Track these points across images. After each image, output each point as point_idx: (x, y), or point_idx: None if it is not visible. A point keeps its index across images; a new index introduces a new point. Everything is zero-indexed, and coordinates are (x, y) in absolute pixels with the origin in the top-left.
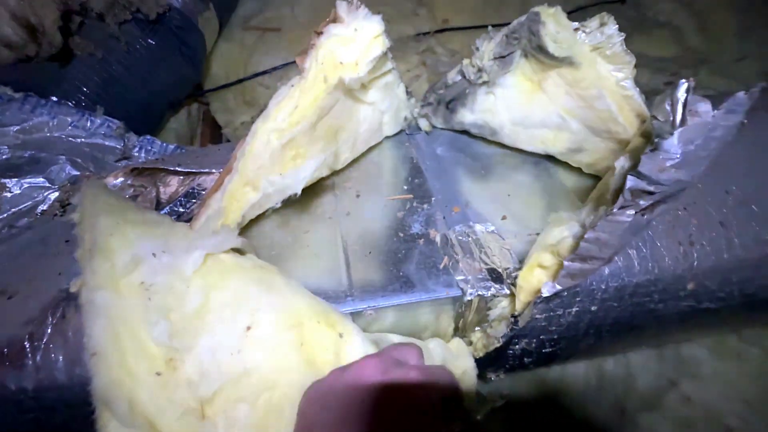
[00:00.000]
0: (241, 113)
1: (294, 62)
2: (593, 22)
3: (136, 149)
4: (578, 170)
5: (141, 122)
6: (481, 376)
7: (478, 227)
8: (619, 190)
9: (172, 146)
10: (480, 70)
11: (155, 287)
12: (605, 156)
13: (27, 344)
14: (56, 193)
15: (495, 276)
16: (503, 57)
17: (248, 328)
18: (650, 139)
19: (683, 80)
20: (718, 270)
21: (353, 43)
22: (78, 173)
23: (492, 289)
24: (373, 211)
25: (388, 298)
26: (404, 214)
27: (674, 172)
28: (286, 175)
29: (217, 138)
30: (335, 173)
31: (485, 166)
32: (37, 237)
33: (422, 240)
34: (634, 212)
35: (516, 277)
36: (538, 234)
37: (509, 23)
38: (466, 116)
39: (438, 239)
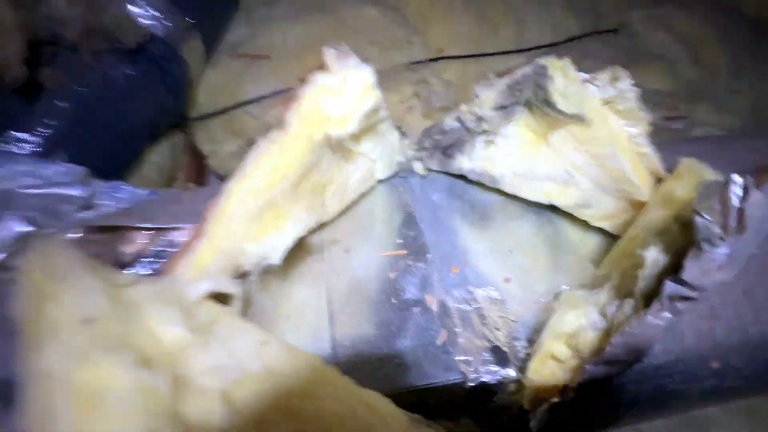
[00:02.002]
0: (227, 143)
1: (283, 92)
2: (604, 76)
3: (101, 196)
4: (584, 222)
5: (118, 156)
6: None
7: (479, 293)
8: (653, 290)
9: (144, 191)
10: (479, 118)
11: (159, 296)
12: (615, 213)
13: None
14: (0, 255)
15: (500, 357)
16: (505, 107)
17: (263, 342)
18: (686, 227)
19: (735, 176)
20: (744, 346)
21: (342, 94)
22: (29, 230)
23: (498, 375)
24: (364, 270)
25: (379, 384)
26: (397, 275)
27: (718, 275)
28: (263, 242)
29: (202, 169)
30: (322, 226)
31: (484, 215)
32: None
33: (418, 308)
34: (670, 316)
35: (524, 359)
36: (544, 300)
37: (504, 52)
38: (464, 163)
39: (435, 307)
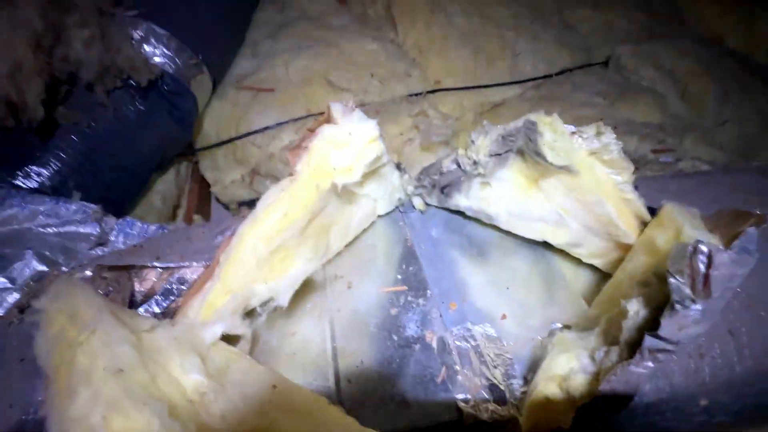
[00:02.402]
0: (230, 171)
1: (286, 122)
2: (590, 130)
3: (114, 233)
4: (576, 259)
5: (126, 187)
6: None
7: (477, 330)
8: (635, 340)
9: (153, 227)
10: (475, 163)
11: (178, 341)
12: (605, 253)
13: None
14: (16, 295)
15: (497, 395)
16: (499, 154)
17: (274, 386)
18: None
19: (701, 245)
20: (732, 383)
21: (347, 146)
22: (45, 269)
23: (495, 414)
24: (366, 306)
25: (382, 423)
26: (398, 311)
27: (693, 328)
28: (272, 284)
29: (206, 196)
30: (326, 262)
31: (481, 250)
32: None
33: (418, 345)
34: (652, 365)
35: (521, 398)
36: (539, 337)
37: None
38: (462, 201)
39: (435, 343)
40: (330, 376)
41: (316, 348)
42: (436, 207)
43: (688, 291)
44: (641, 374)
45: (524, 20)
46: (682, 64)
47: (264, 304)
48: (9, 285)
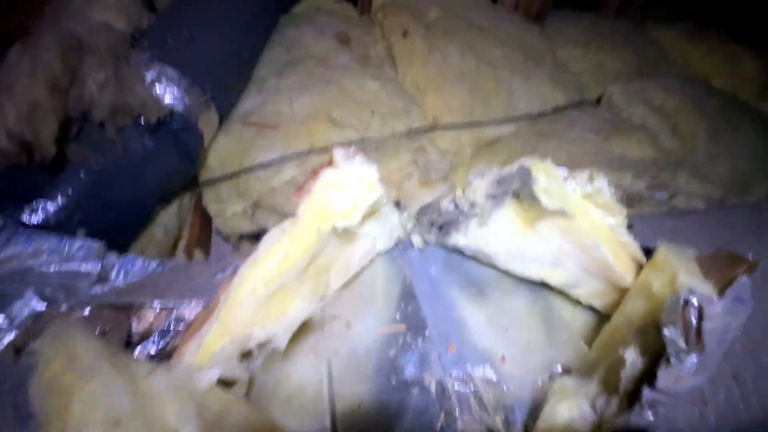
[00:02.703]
0: (233, 204)
1: (289, 157)
2: (582, 176)
3: (114, 270)
4: (574, 299)
5: (130, 220)
6: None
7: (476, 373)
8: (634, 390)
9: (154, 263)
10: (473, 204)
11: (175, 388)
12: (603, 294)
13: None
14: (13, 334)
15: None
16: (495, 196)
17: None
18: (659, 331)
19: (692, 298)
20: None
21: (348, 190)
22: (43, 308)
23: None
24: (364, 347)
25: None
26: (396, 353)
27: (690, 380)
28: (270, 326)
29: (207, 226)
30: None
31: (480, 288)
32: None
33: (416, 388)
34: (651, 416)
35: None
36: (540, 382)
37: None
38: (460, 240)
39: (433, 387)
40: (327, 421)
41: (313, 391)
42: (435, 245)
43: (682, 344)
44: (641, 424)
45: (517, 60)
46: (671, 101)
47: (261, 346)
48: (7, 324)
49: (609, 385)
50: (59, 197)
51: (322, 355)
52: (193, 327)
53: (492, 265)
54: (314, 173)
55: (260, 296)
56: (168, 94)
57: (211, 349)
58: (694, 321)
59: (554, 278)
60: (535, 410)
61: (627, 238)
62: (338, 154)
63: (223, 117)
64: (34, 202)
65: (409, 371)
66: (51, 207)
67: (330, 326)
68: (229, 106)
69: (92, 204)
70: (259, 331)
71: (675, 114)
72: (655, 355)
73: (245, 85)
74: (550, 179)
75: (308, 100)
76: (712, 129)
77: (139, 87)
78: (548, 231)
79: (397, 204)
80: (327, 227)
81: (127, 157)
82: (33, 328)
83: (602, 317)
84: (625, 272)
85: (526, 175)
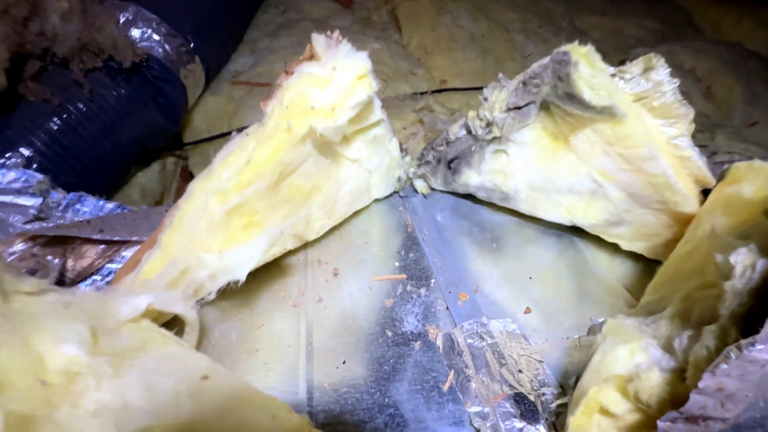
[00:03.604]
0: None
1: None
2: (635, 67)
3: (60, 208)
4: (612, 246)
5: (100, 176)
6: None
7: (494, 324)
8: (752, 309)
9: (110, 205)
10: (489, 124)
11: (74, 304)
12: (655, 231)
13: None
14: None
15: (525, 408)
16: (519, 108)
17: (205, 377)
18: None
19: None
20: None
21: (330, 85)
22: None
23: (522, 429)
24: (354, 296)
25: None
26: (395, 302)
27: None
28: (227, 253)
29: None
30: (307, 244)
31: (496, 237)
32: None
33: (418, 343)
34: None
35: (557, 412)
36: (576, 336)
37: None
38: (472, 178)
39: (440, 341)
40: (300, 380)
41: (287, 344)
42: (442, 191)
43: None
44: (765, 363)
45: (533, 24)
46: (703, 64)
47: (214, 276)
48: None
49: (692, 319)
50: (14, 140)
51: (302, 304)
52: (131, 259)
53: (510, 212)
54: (290, 72)
55: (214, 215)
56: (145, 38)
57: (146, 278)
58: None
59: (590, 215)
60: (573, 368)
61: (690, 151)
62: (318, 42)
63: (210, 75)
64: None
65: (410, 323)
66: (5, 153)
67: (313, 272)
68: (217, 64)
69: (57, 153)
70: (211, 257)
71: (708, 77)
72: None
73: (236, 46)
74: (594, 70)
75: None
76: (749, 94)
77: (109, 26)
78: (587, 146)
79: (401, 146)
80: (302, 128)
81: (97, 103)
82: None
83: (648, 267)
84: (690, 194)
85: (563, 64)
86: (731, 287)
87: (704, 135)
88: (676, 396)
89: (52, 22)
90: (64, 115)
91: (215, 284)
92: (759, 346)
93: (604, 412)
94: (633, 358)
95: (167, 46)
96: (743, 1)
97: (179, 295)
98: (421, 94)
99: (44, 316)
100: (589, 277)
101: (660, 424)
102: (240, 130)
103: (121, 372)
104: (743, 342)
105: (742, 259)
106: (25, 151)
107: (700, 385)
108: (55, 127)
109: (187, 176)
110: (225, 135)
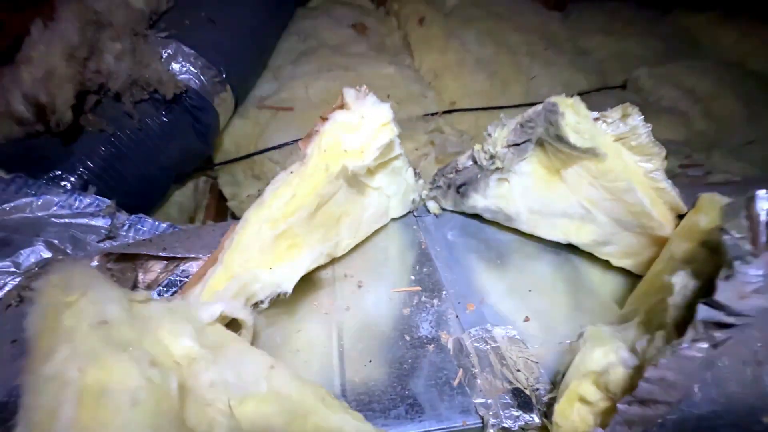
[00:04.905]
0: (248, 186)
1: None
2: (615, 113)
3: (124, 228)
4: (604, 262)
5: (145, 196)
6: None
7: (497, 331)
8: (685, 318)
9: (164, 225)
10: (492, 156)
11: (171, 312)
12: (637, 250)
13: None
14: (18, 280)
15: (522, 400)
16: (518, 144)
17: (271, 367)
18: (714, 251)
19: (761, 191)
20: None
21: (359, 130)
22: (50, 256)
23: (520, 420)
24: (376, 306)
25: (390, 426)
26: (411, 311)
27: (756, 299)
28: (276, 270)
29: (223, 211)
30: (335, 260)
31: (500, 254)
32: None
33: (432, 346)
34: (707, 346)
35: (548, 404)
36: (568, 342)
37: (515, 105)
38: (479, 201)
39: (450, 345)
40: (335, 375)
41: (322, 346)
42: (452, 211)
43: (747, 246)
44: (695, 358)
45: (538, 47)
46: (703, 84)
47: (267, 289)
48: (13, 269)
49: (651, 326)
50: (77, 167)
51: (333, 312)
52: (197, 274)
53: (513, 231)
54: (323, 117)
55: (265, 239)
56: (184, 71)
57: (213, 290)
58: (763, 215)
59: (582, 236)
60: (563, 369)
61: (665, 183)
62: (349, 94)
63: (239, 101)
64: (52, 173)
65: (425, 329)
66: (70, 177)
67: (341, 285)
68: (245, 91)
69: (110, 175)
70: (264, 273)
71: (708, 97)
72: (709, 277)
73: (261, 73)
74: (579, 117)
75: (323, 84)
76: (747, 113)
77: (155, 62)
78: (576, 179)
79: (415, 171)
80: (336, 167)
81: (144, 131)
82: (37, 273)
83: (634, 281)
84: (663, 220)
85: (552, 113)
86: (672, 301)
87: (700, 155)
88: (635, 387)
89: (108, 62)
90: (117, 143)
91: (267, 295)
92: (684, 345)
93: (583, 400)
94: (606, 357)
95: (203, 78)
96: (745, 21)
97: (241, 304)
98: (432, 115)
99: (159, 318)
100: (583, 291)
101: (619, 406)
102: (263, 151)
103: (218, 360)
104: (675, 342)
105: (680, 280)
106: (85, 177)
107: (647, 375)
108: (109, 154)
109: (216, 193)
110: (251, 155)
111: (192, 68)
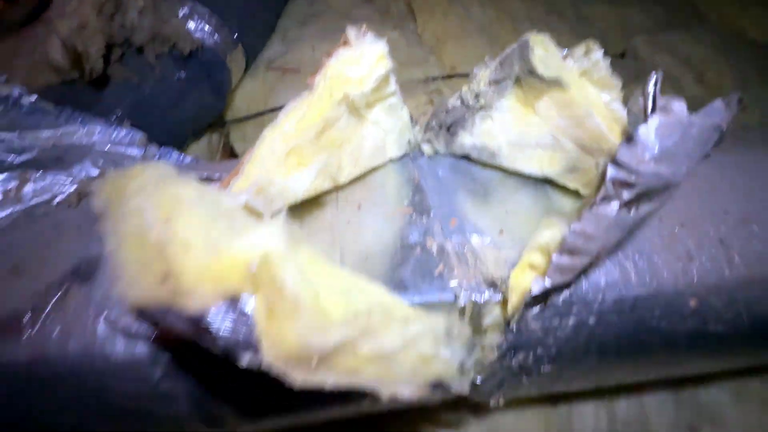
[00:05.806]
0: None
1: None
2: (579, 50)
3: (156, 158)
4: (576, 194)
5: (168, 145)
6: (481, 403)
7: (474, 238)
8: (601, 182)
9: (189, 158)
10: (477, 95)
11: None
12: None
13: (27, 317)
14: (75, 186)
15: (489, 283)
16: (498, 82)
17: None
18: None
19: (653, 72)
20: (721, 288)
21: (359, 64)
22: (98, 173)
23: (485, 293)
24: (373, 221)
25: None
26: (403, 225)
27: (654, 165)
28: (289, 178)
29: None
30: (338, 188)
31: (485, 187)
32: (51, 223)
33: (419, 248)
34: (618, 204)
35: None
36: None
37: None
38: (466, 139)
39: (434, 248)
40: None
41: (326, 248)
42: (444, 154)
43: (641, 117)
44: (608, 216)
45: (539, 13)
46: (698, 50)
47: (280, 193)
48: (69, 181)
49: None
50: (105, 113)
51: (335, 226)
52: (221, 185)
53: (497, 168)
54: (329, 53)
55: (278, 153)
56: (199, 29)
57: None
58: (650, 89)
59: (553, 165)
60: None
61: (621, 113)
62: (351, 33)
63: (249, 62)
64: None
65: (413, 237)
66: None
67: (343, 205)
68: (255, 51)
69: (136, 123)
70: (279, 178)
71: (701, 63)
72: None
73: (270, 35)
74: (547, 52)
75: (329, 46)
76: (740, 80)
77: (174, 19)
78: (546, 110)
79: (411, 119)
80: (339, 93)
81: (165, 83)
82: (91, 181)
83: None
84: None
85: (525, 49)
86: (596, 176)
87: None
88: None
89: (132, 16)
90: (140, 93)
91: (282, 199)
92: (600, 204)
93: (532, 266)
94: (554, 234)
95: (216, 36)
96: None
97: (261, 199)
98: (433, 79)
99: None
100: (554, 214)
101: (553, 256)
102: (272, 110)
103: None
104: (592, 200)
105: (602, 160)
106: (114, 120)
107: (572, 228)
108: (133, 102)
109: (228, 148)
110: (261, 114)
111: (206, 26)
